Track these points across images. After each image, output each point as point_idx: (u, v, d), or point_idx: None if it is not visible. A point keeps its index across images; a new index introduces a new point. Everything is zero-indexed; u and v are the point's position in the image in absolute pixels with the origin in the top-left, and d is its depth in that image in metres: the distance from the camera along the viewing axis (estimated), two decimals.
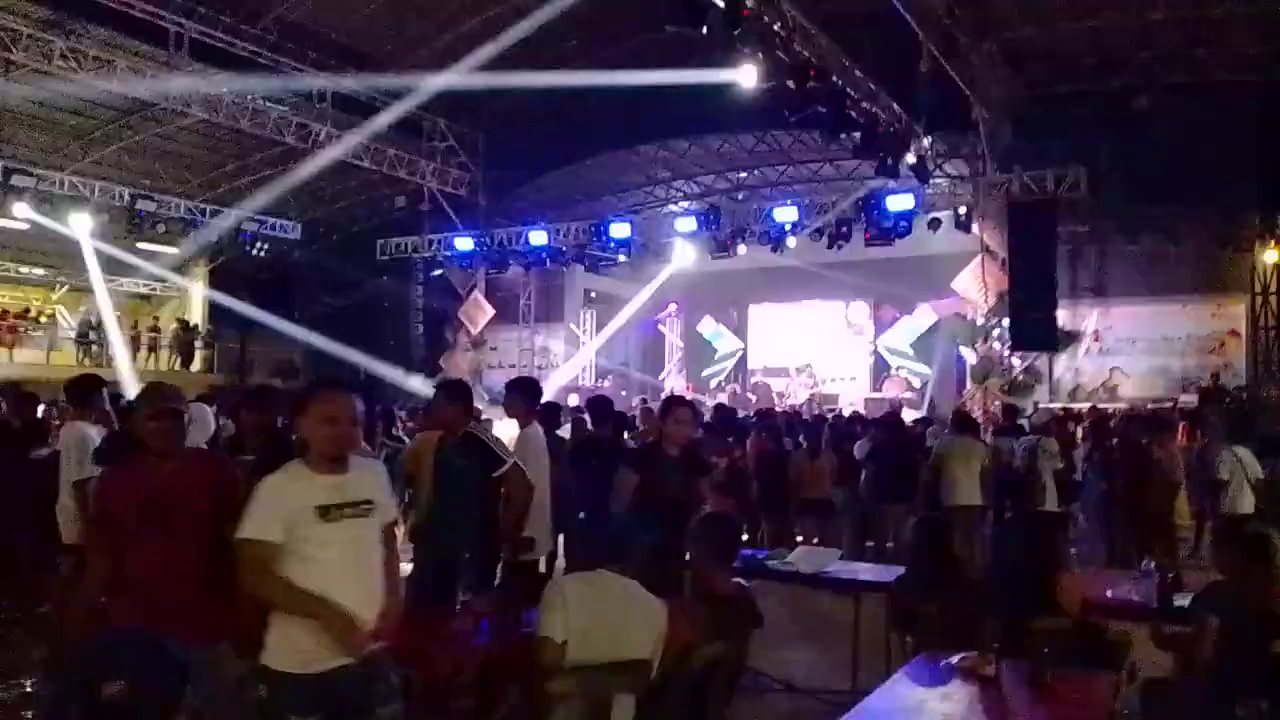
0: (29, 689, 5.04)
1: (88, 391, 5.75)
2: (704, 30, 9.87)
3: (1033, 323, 14.69)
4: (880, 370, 20.57)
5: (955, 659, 3.67)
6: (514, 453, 5.06)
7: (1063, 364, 16.77)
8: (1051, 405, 14.40)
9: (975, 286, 15.62)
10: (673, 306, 22.65)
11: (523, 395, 5.75)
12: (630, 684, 3.42)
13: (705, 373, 22.18)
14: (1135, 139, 13.98)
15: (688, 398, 7.65)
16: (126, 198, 16.52)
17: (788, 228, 16.85)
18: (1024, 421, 10.70)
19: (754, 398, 19.32)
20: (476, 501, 4.71)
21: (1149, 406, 13.73)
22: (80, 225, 16.25)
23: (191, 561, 3.23)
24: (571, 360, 21.37)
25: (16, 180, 15.15)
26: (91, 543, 3.56)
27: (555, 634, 3.35)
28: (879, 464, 8.81)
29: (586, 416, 8.15)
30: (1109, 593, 4.90)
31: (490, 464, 4.74)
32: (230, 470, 3.58)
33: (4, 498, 6.18)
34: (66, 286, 19.22)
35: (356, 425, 3.13)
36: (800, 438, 9.42)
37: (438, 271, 20.03)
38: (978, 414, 13.12)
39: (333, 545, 2.94)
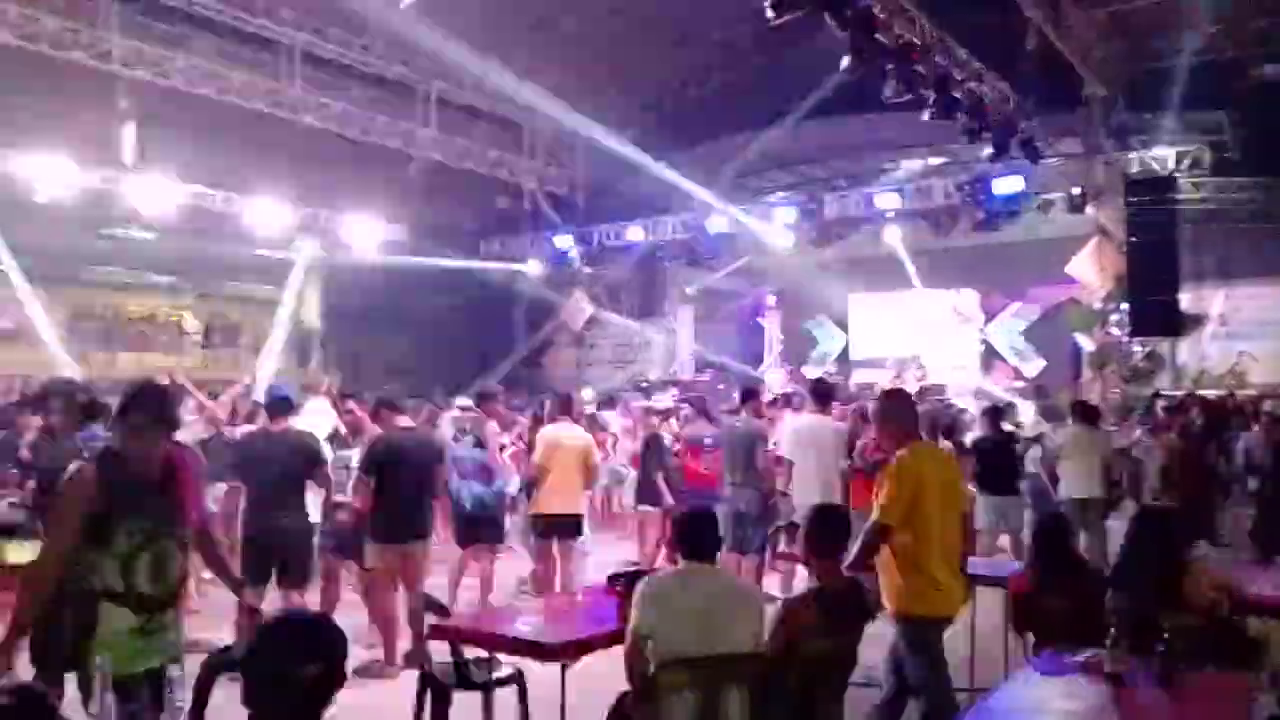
0: None
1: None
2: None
3: (1153, 306, 14.00)
4: (990, 359, 19.95)
5: (1080, 656, 3.53)
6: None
7: (1186, 349, 16.00)
8: (1176, 392, 13.77)
9: (1091, 270, 15.00)
10: (772, 298, 22.39)
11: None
12: (741, 676, 3.41)
13: (806, 366, 21.86)
14: (1258, 110, 13.25)
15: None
16: (238, 206, 17.09)
17: (890, 215, 16.50)
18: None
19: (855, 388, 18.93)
20: None
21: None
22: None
23: None
24: (670, 355, 21.35)
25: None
26: None
27: (638, 626, 3.45)
28: (979, 458, 8.69)
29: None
30: (1252, 588, 4.57)
31: None
32: None
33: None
34: (195, 293, 20.03)
35: None
36: None
37: (538, 270, 20.25)
38: (1096, 402, 12.62)
39: None
